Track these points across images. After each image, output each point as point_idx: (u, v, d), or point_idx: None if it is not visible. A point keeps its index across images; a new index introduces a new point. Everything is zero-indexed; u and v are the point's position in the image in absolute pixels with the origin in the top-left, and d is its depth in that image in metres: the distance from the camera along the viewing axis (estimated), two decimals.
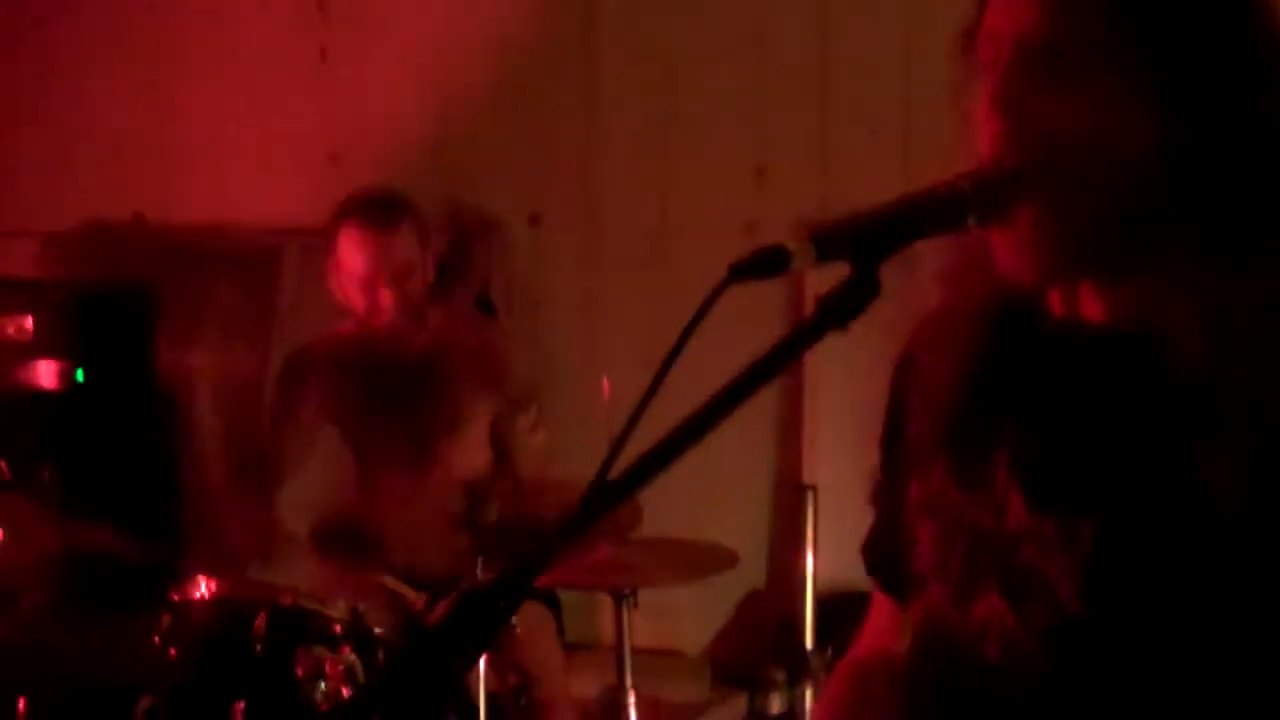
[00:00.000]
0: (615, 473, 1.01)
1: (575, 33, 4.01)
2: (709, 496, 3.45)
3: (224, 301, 4.29)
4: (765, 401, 3.67)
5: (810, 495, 3.54)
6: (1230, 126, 1.15)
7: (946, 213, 1.14)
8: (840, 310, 1.06)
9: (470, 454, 3.20)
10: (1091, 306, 1.23)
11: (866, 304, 1.07)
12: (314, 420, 3.26)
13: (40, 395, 3.96)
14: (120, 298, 4.18)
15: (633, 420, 1.02)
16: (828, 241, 1.06)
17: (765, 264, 1.04)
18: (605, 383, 2.54)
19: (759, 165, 3.92)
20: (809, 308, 3.67)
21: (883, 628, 1.46)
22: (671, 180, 3.98)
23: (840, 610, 3.38)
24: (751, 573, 3.83)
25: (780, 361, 1.06)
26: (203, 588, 2.42)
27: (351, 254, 3.05)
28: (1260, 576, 1.13)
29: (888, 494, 1.41)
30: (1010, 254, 1.19)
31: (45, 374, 3.98)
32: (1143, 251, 1.19)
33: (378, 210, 3.07)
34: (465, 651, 0.96)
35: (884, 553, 1.43)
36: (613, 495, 1.01)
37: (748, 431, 3.70)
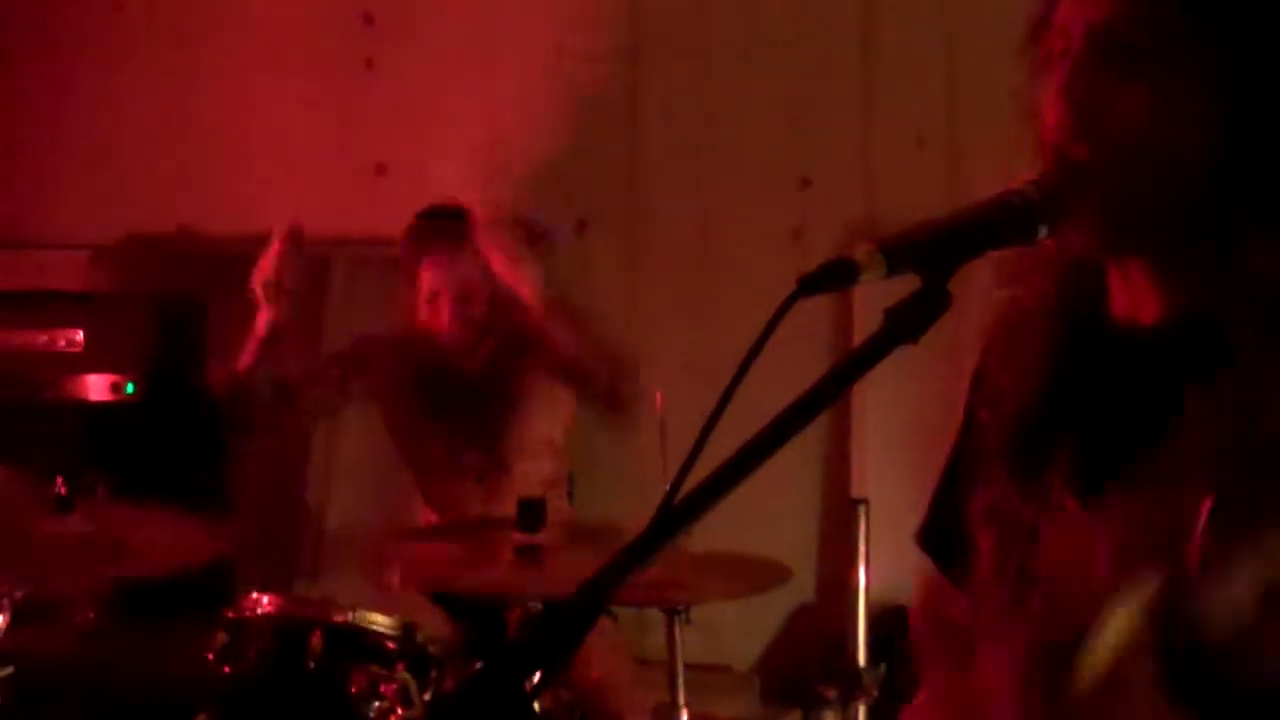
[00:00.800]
0: (679, 496, 1.00)
1: (621, 41, 4.01)
2: (759, 511, 3.42)
3: None
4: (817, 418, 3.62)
5: (862, 509, 3.51)
6: None
7: (1018, 224, 1.13)
8: (910, 323, 1.05)
9: (538, 463, 3.21)
10: (1148, 298, 1.22)
11: (937, 316, 1.06)
12: (358, 394, 3.27)
13: (92, 407, 3.98)
14: (169, 310, 4.20)
15: (696, 448, 1.02)
16: (898, 253, 1.06)
17: (834, 276, 1.04)
18: (659, 395, 2.52)
19: (804, 175, 3.91)
20: (857, 322, 3.66)
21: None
22: (716, 188, 3.97)
23: (893, 627, 3.35)
24: (802, 588, 3.80)
25: (850, 377, 1.05)
26: (258, 604, 2.42)
27: (417, 269, 3.13)
28: None
29: (948, 493, 1.41)
30: (1072, 231, 1.18)
31: (96, 387, 4.01)
32: (1200, 234, 1.18)
33: (445, 229, 3.12)
34: (538, 672, 0.95)
35: (940, 534, 1.43)
36: (679, 519, 0.99)
37: (798, 446, 3.65)
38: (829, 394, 1.04)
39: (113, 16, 4.35)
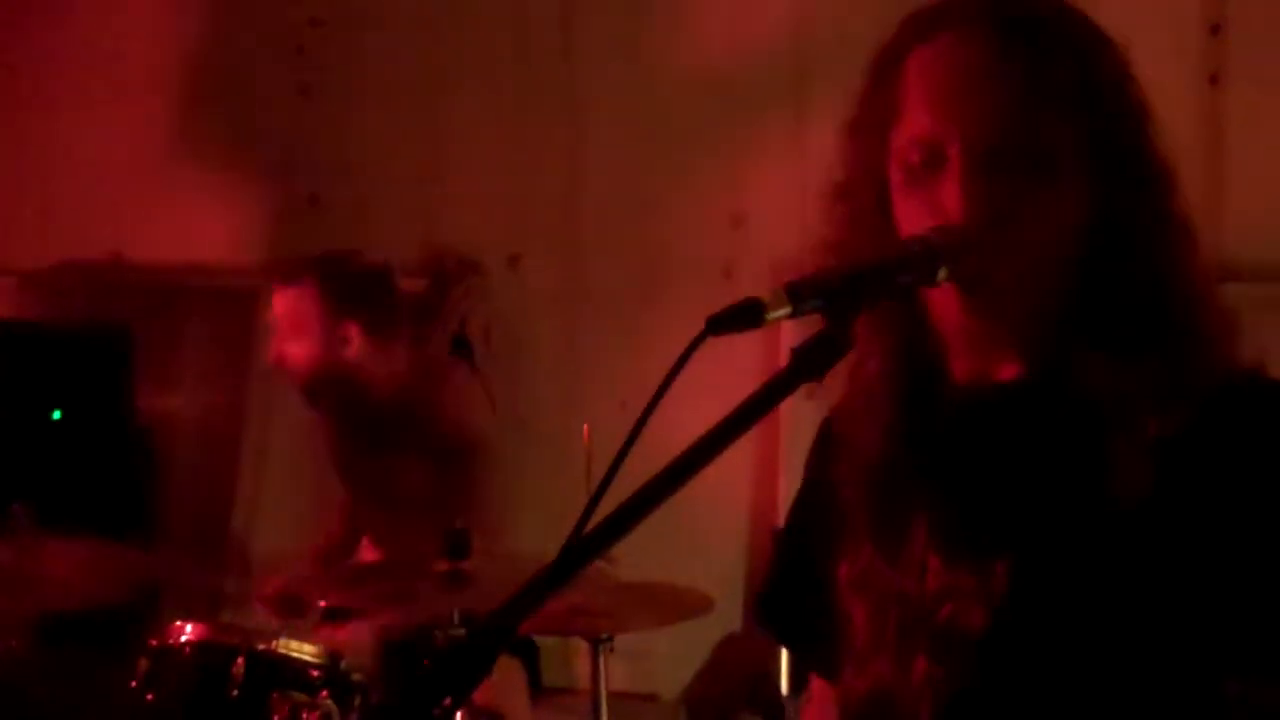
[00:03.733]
0: (592, 525, 1.03)
1: (557, 75, 4.04)
2: (685, 541, 3.45)
3: (201, 341, 4.29)
4: (740, 445, 3.65)
5: None
6: (1133, 216, 1.24)
7: (918, 267, 1.17)
8: (814, 362, 1.09)
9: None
10: (1003, 359, 1.28)
11: (839, 356, 1.10)
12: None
13: (17, 434, 3.95)
14: (97, 337, 4.19)
15: (609, 476, 1.04)
16: (802, 294, 1.09)
17: (742, 317, 1.07)
18: (585, 427, 2.56)
19: (737, 212, 3.96)
20: (784, 354, 3.70)
21: (824, 710, 1.47)
22: (652, 223, 4.01)
23: None
24: (728, 617, 3.83)
25: (756, 413, 1.08)
26: (181, 632, 2.42)
27: None
28: (1170, 591, 1.18)
29: (794, 550, 1.44)
30: (951, 308, 1.23)
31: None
32: (1058, 312, 1.25)
33: (294, 266, 3.27)
34: (445, 701, 0.97)
35: (784, 606, 1.46)
36: (590, 548, 1.02)
37: (723, 476, 3.69)
38: (738, 428, 1.07)
39: (45, 44, 4.33)
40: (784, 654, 3.52)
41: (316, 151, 4.21)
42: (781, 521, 3.66)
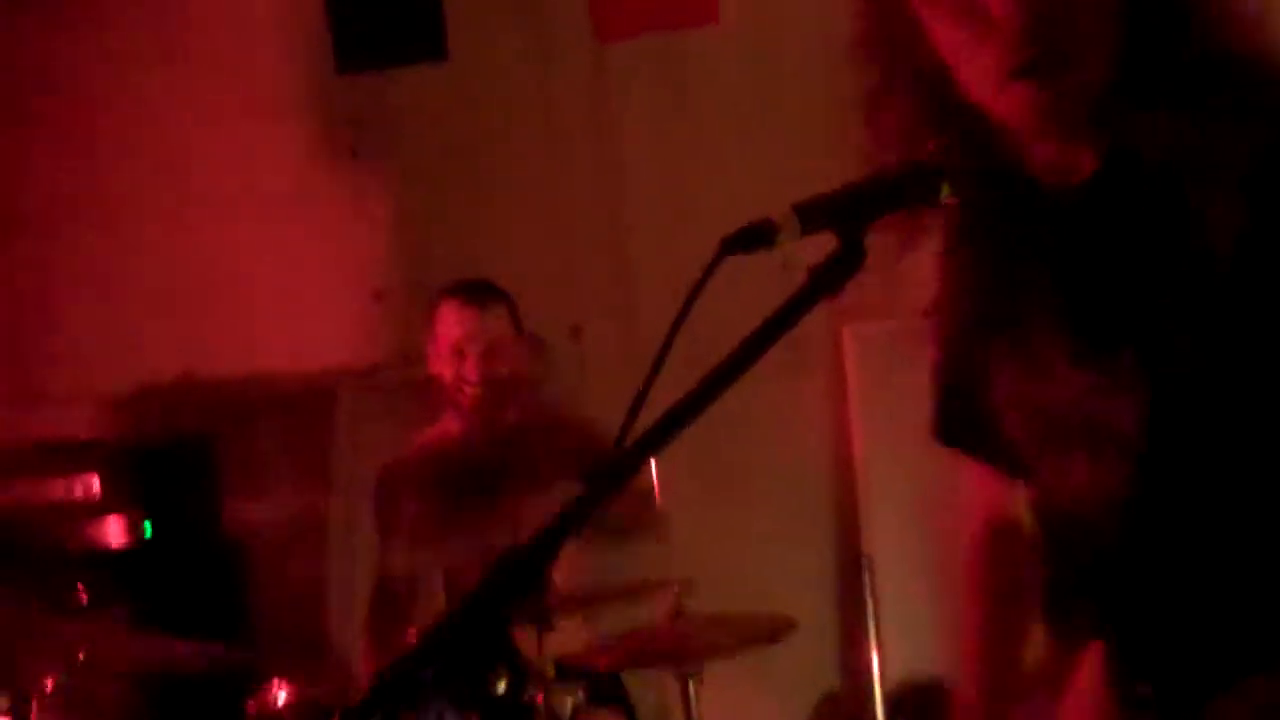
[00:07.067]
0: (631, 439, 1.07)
1: (604, 150, 4.14)
2: (768, 569, 3.46)
3: (279, 447, 4.37)
4: (820, 478, 3.73)
5: (867, 565, 3.54)
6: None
7: (922, 183, 1.22)
8: (829, 278, 1.14)
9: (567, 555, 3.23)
10: (1078, 154, 1.31)
11: (852, 271, 1.15)
12: (414, 534, 3.35)
13: (112, 552, 4.03)
14: (180, 451, 4.28)
15: (644, 389, 1.09)
16: (811, 213, 1.15)
17: (753, 237, 1.14)
18: (656, 488, 2.59)
19: (793, 267, 4.00)
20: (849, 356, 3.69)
21: (989, 495, 1.53)
22: (707, 293, 4.06)
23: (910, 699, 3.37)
24: (824, 676, 3.79)
25: (778, 328, 1.15)
26: (278, 695, 2.46)
27: (448, 324, 3.29)
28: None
29: (953, 368, 1.49)
30: (1022, 113, 1.27)
31: (114, 531, 4.07)
32: (1121, 104, 1.27)
33: (475, 288, 3.35)
34: (503, 609, 1.01)
35: (959, 423, 1.51)
36: (631, 460, 1.07)
37: (805, 508, 3.69)
38: (763, 342, 1.14)
39: (101, 172, 4.47)
40: (877, 692, 3.49)
41: (376, 249, 4.33)
42: (865, 547, 3.66)
